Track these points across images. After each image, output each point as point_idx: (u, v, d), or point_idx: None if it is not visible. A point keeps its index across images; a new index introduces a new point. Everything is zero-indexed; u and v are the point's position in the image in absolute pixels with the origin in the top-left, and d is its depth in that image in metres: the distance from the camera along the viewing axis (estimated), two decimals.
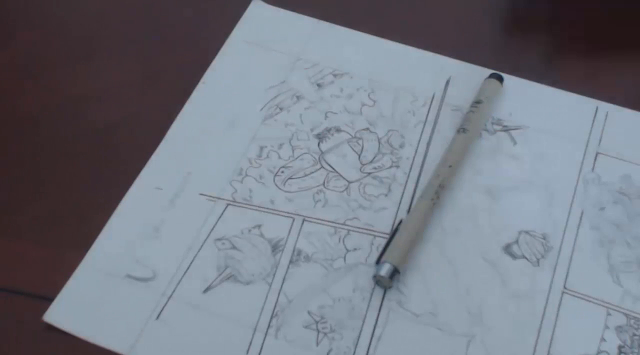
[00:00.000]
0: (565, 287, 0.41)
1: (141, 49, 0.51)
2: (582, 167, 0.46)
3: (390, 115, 0.48)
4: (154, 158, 0.45)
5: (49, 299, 0.40)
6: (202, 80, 0.49)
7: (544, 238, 0.43)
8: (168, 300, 0.40)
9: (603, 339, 0.40)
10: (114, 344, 0.39)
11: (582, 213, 0.44)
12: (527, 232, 0.43)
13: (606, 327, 0.40)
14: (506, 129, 0.47)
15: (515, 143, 0.47)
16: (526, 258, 0.42)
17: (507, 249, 0.43)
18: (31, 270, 0.41)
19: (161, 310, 0.40)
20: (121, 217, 0.43)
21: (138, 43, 0.51)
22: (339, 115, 0.48)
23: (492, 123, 0.47)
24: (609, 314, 0.40)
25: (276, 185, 0.44)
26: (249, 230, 0.43)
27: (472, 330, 0.40)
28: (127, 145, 0.46)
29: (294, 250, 0.42)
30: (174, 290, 0.40)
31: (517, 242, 0.43)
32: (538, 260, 0.42)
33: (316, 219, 0.43)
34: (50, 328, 0.39)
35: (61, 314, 0.39)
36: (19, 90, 0.49)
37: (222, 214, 0.43)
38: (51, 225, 0.43)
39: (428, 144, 0.46)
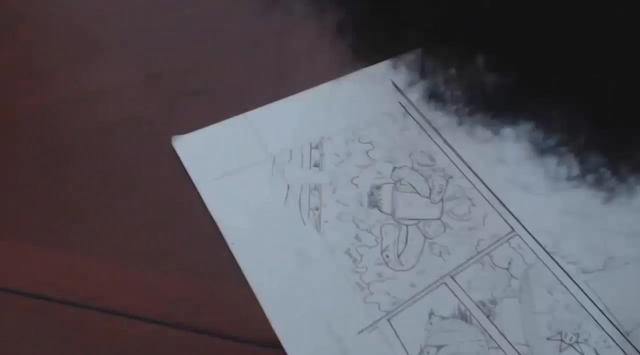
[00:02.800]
0: None
1: (141, 49, 0.51)
2: None
3: (393, 142, 0.47)
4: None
5: (49, 299, 0.41)
6: (230, 242, 0.43)
7: None
8: None
9: None
10: None
11: None
12: None
13: None
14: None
15: None
16: None
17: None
18: (31, 270, 0.42)
19: None
20: None
21: (138, 43, 0.51)
22: (362, 175, 0.46)
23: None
24: None
25: (398, 270, 0.43)
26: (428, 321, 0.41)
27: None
28: (127, 145, 0.46)
29: (477, 305, 0.42)
30: None
31: None
32: None
33: (459, 267, 0.43)
34: (48, 330, 0.40)
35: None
36: (19, 90, 0.49)
37: (388, 316, 0.41)
38: (51, 225, 0.43)
39: (444, 139, 0.46)
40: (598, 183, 0.21)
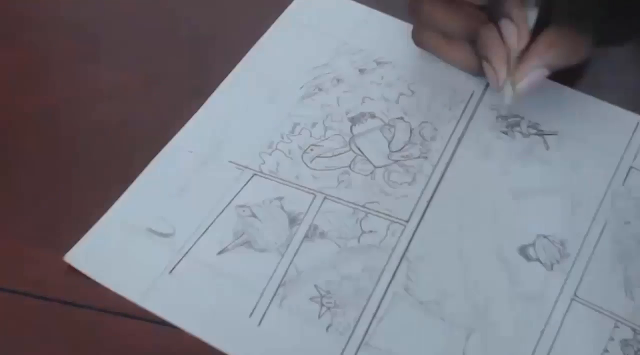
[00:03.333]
0: (575, 295, 0.41)
1: (143, 49, 0.50)
2: (613, 180, 0.45)
3: (427, 107, 0.48)
4: (190, 123, 0.47)
5: (48, 299, 0.40)
6: (247, 54, 0.50)
7: (562, 244, 0.43)
8: (183, 256, 0.42)
9: (606, 350, 0.39)
10: (127, 291, 0.40)
11: (604, 225, 0.43)
12: (545, 237, 0.43)
13: (611, 338, 0.40)
14: (541, 133, 0.47)
15: (548, 148, 0.46)
16: (540, 261, 0.42)
17: (523, 250, 0.42)
18: (31, 270, 0.41)
19: (175, 266, 0.41)
20: (150, 175, 0.45)
21: (138, 43, 0.51)
22: (375, 102, 0.48)
23: (528, 126, 0.47)
24: (616, 327, 0.40)
25: (303, 161, 0.46)
26: (270, 201, 0.44)
27: (474, 324, 0.40)
28: (128, 146, 0.46)
29: (310, 226, 0.43)
30: (190, 248, 0.42)
31: (533, 245, 0.43)
32: (552, 265, 0.42)
33: (337, 198, 0.44)
34: (48, 330, 0.40)
35: (81, 257, 0.41)
36: (19, 90, 0.48)
37: (247, 182, 0.44)
38: (51, 225, 0.43)
39: (459, 140, 0.47)
40: None
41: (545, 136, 0.47)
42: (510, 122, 0.47)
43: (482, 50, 0.44)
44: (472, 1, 0.43)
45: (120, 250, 0.42)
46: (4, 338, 0.39)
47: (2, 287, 0.41)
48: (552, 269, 0.42)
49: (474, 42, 0.45)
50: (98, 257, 0.42)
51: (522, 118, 0.48)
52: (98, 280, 0.41)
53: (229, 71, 0.49)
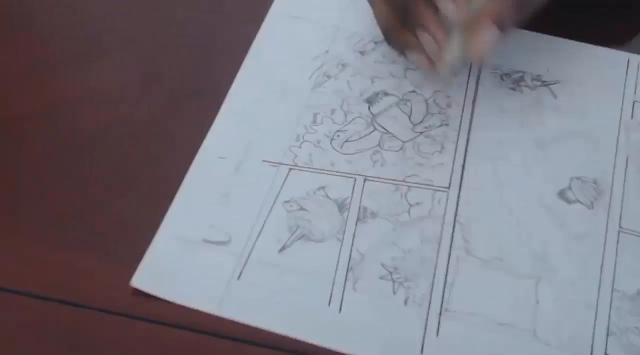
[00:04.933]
0: (620, 226, 0.43)
1: (142, 49, 0.51)
2: (622, 115, 0.48)
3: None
4: (213, 129, 0.46)
5: (49, 299, 0.40)
6: (247, 56, 0.50)
7: (595, 182, 0.45)
8: (246, 261, 0.41)
9: None
10: (201, 305, 0.40)
11: (627, 158, 0.46)
12: (578, 178, 0.45)
13: None
14: (545, 84, 0.49)
15: (555, 97, 0.49)
16: (580, 202, 0.44)
17: (562, 194, 0.45)
18: (31, 270, 0.41)
19: (241, 272, 0.41)
20: (190, 186, 0.44)
21: (139, 43, 0.51)
22: (385, 80, 0.49)
23: (532, 79, 0.49)
24: None
25: (334, 148, 0.46)
26: (314, 192, 0.44)
27: (537, 272, 0.42)
28: (127, 145, 0.46)
29: (359, 208, 0.44)
30: (250, 252, 0.42)
31: (570, 187, 0.45)
32: (592, 202, 0.44)
33: (376, 177, 0.45)
34: (49, 330, 0.40)
35: (146, 278, 0.41)
36: (19, 90, 0.48)
37: (286, 178, 0.45)
38: (52, 226, 0.43)
39: (473, 102, 0.48)
40: None
41: (550, 86, 0.49)
42: (514, 78, 0.49)
43: (417, 20, 0.43)
44: None
45: (184, 266, 0.41)
46: (4, 338, 0.39)
47: (2, 287, 0.41)
48: (592, 207, 0.44)
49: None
50: (163, 276, 0.41)
51: (525, 72, 0.50)
52: (169, 299, 0.40)
53: (229, 71, 0.49)
